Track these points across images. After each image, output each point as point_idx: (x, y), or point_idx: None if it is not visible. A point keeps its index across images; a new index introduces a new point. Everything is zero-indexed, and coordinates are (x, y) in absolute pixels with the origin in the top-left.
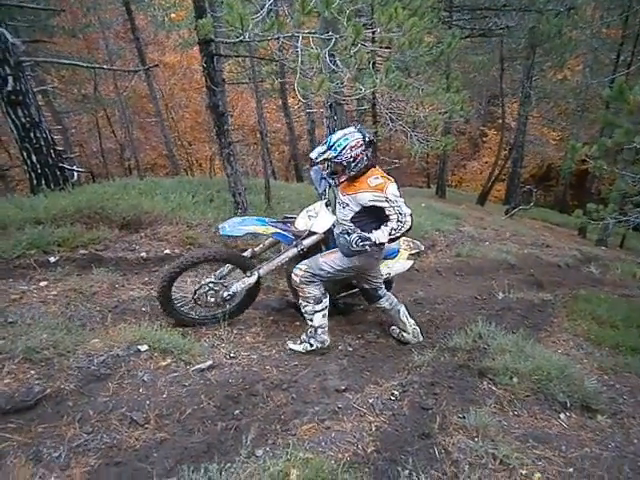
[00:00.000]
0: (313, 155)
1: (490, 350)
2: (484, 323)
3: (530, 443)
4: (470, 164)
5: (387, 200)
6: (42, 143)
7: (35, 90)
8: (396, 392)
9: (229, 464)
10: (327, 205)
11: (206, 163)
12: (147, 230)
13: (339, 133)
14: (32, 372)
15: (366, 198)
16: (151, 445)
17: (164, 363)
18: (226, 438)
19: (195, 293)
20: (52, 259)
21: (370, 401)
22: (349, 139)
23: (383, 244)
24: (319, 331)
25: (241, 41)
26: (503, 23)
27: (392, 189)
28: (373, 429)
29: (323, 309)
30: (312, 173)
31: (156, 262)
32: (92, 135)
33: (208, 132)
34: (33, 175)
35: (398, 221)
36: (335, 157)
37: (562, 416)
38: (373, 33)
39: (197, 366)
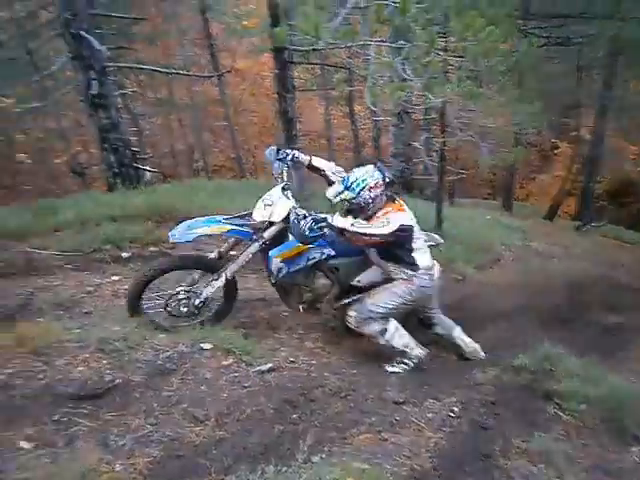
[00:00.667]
0: (330, 195)
1: (557, 373)
2: (551, 343)
3: (599, 476)
4: (539, 177)
5: (383, 219)
6: (120, 144)
7: (116, 94)
8: (456, 409)
9: (285, 468)
10: (284, 189)
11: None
12: None
13: (358, 172)
14: (104, 362)
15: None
16: (210, 442)
17: (226, 362)
18: (283, 441)
19: (166, 305)
20: (124, 254)
21: (429, 416)
22: (367, 180)
23: (346, 230)
24: (407, 350)
25: (314, 49)
26: (582, 31)
27: (396, 218)
28: (431, 445)
29: (394, 333)
30: (266, 153)
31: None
32: (164, 137)
33: (274, 137)
34: (110, 173)
35: (377, 224)
36: (353, 198)
37: (635, 450)
38: (446, 42)
39: (257, 368)
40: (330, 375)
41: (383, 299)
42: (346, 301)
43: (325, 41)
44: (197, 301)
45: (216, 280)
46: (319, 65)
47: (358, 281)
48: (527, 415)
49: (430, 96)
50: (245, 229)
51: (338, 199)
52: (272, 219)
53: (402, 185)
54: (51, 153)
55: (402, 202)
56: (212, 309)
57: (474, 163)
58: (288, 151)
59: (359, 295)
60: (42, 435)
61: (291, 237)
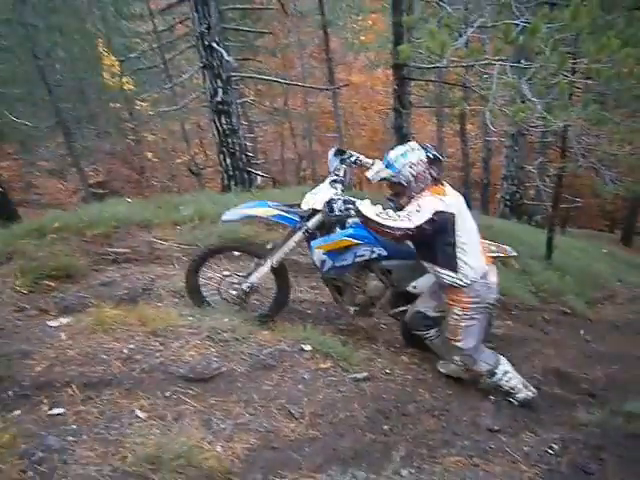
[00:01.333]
0: (370, 175)
1: None
2: None
3: None
4: None
5: (415, 205)
6: (237, 148)
7: (237, 101)
8: (555, 446)
9: (375, 476)
10: (335, 182)
11: None
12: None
13: (398, 149)
14: (212, 350)
15: (409, 207)
16: (304, 439)
17: (324, 365)
18: (374, 450)
19: (219, 287)
20: (236, 253)
21: (524, 449)
22: (408, 155)
23: (369, 219)
24: (514, 394)
25: (436, 67)
26: None
27: (427, 200)
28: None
29: (502, 376)
30: (330, 154)
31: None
32: (276, 144)
33: (381, 151)
34: (225, 176)
35: (399, 215)
36: (393, 176)
37: None
38: (574, 63)
39: (354, 375)
40: (425, 392)
41: (467, 335)
42: (402, 309)
43: (448, 59)
44: (245, 286)
45: (262, 266)
46: (436, 82)
47: (414, 287)
48: (637, 466)
49: (551, 119)
50: (291, 216)
51: (378, 177)
52: (315, 206)
53: (511, 209)
54: (173, 153)
55: (447, 185)
56: (268, 302)
57: (592, 192)
58: (354, 153)
59: (432, 331)
60: (154, 408)
61: (338, 230)
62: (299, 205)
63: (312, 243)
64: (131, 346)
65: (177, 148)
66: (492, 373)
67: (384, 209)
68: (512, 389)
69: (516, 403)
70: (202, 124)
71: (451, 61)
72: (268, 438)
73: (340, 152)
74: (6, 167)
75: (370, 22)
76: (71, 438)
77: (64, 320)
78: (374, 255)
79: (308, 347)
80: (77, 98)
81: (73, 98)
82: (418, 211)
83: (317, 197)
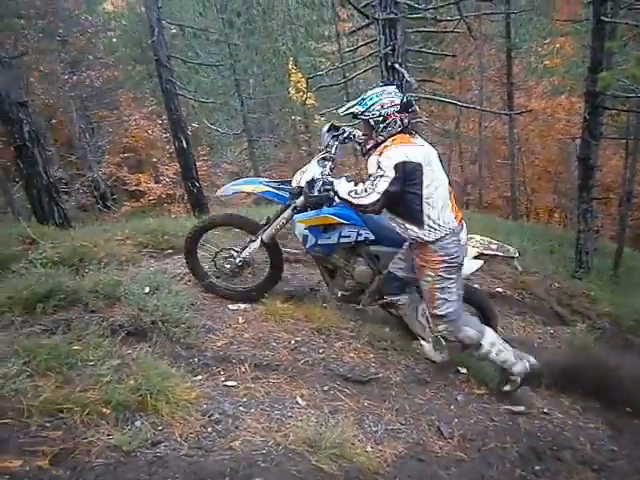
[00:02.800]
0: (341, 110)
1: None
2: None
3: None
4: None
5: (376, 168)
6: None
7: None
8: None
9: None
10: (325, 159)
11: (544, 213)
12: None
13: (375, 89)
14: (371, 355)
15: (370, 165)
16: (451, 459)
17: (478, 391)
18: None
19: (214, 258)
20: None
21: None
22: (382, 96)
23: (343, 199)
24: (507, 369)
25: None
26: None
27: (388, 154)
28: None
29: (490, 349)
30: (323, 129)
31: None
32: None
33: (556, 183)
34: None
35: (365, 189)
36: (362, 112)
37: None
38: None
39: (509, 407)
40: (585, 442)
41: (441, 298)
42: (392, 299)
43: None
44: (237, 260)
45: (253, 242)
46: (633, 112)
47: (400, 268)
48: None
49: None
50: (281, 193)
51: (347, 112)
52: (301, 184)
53: None
54: (340, 167)
55: (418, 137)
56: (261, 276)
57: None
58: (347, 128)
59: (405, 296)
60: (313, 398)
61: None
62: (290, 182)
63: (294, 217)
64: (298, 338)
65: (344, 163)
66: (478, 345)
67: (356, 184)
68: (504, 362)
69: (517, 379)
70: None
71: None
72: (416, 450)
73: (334, 128)
74: (198, 167)
75: (558, 45)
76: (242, 409)
77: (242, 306)
78: (360, 238)
79: (464, 370)
80: (263, 110)
81: (259, 110)
82: (381, 175)
83: (305, 175)
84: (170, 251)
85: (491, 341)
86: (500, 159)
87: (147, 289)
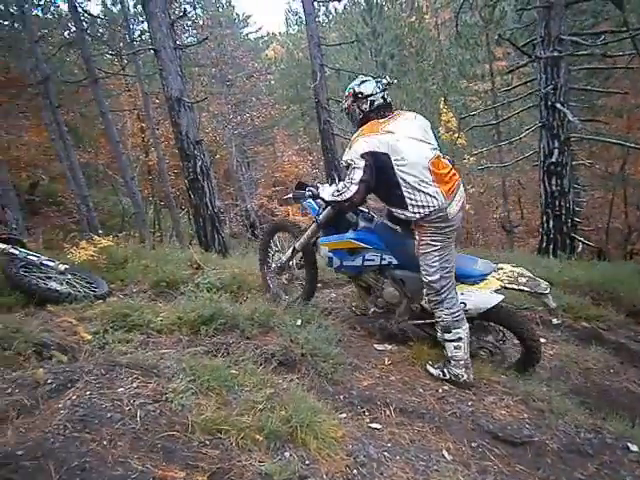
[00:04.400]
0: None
1: None
2: None
3: None
4: None
5: (348, 160)
6: (563, 212)
7: (571, 163)
8: None
9: None
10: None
11: None
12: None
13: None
14: (525, 415)
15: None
16: None
17: None
18: None
19: (273, 256)
20: (555, 321)
21: None
22: (347, 88)
23: (330, 202)
24: (452, 363)
25: None
26: None
27: (355, 147)
28: None
29: (454, 340)
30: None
31: None
32: (602, 211)
33: None
34: (545, 238)
35: (344, 185)
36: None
37: None
38: None
39: None
40: None
41: (427, 264)
42: (417, 322)
43: None
44: (279, 262)
45: (289, 249)
46: None
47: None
48: None
49: None
50: (316, 206)
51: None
52: (321, 195)
53: None
54: (487, 207)
55: (394, 118)
56: (301, 278)
57: None
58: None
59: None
60: (460, 454)
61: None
62: None
63: (320, 239)
64: (445, 387)
65: (493, 203)
66: (447, 328)
67: (337, 184)
68: (452, 359)
69: (446, 376)
70: (522, 181)
71: None
72: None
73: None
74: None
75: None
76: (386, 454)
77: (388, 346)
78: (384, 262)
79: (635, 448)
80: None
81: None
82: (354, 167)
83: (325, 188)
84: (319, 285)
85: (459, 335)
86: None
87: (299, 321)
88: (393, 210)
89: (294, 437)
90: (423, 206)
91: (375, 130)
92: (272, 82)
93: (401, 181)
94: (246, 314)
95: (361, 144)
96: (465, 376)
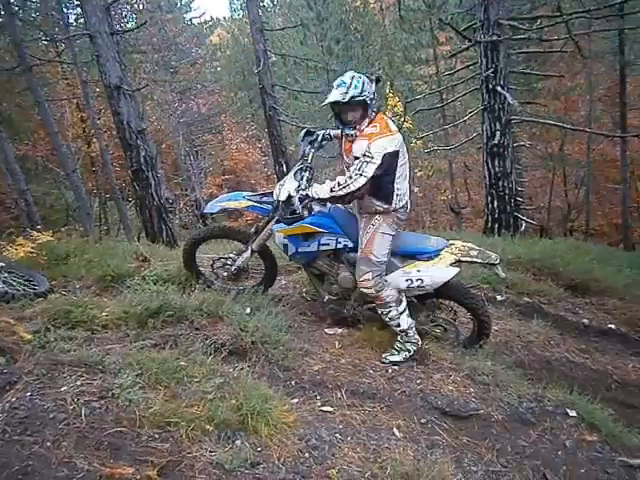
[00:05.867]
0: (332, 98)
1: None
2: None
3: None
4: None
5: (364, 154)
6: (506, 192)
7: (512, 145)
8: None
9: None
10: (302, 170)
11: None
12: (593, 298)
13: (348, 73)
14: (471, 389)
15: (358, 149)
16: None
17: (589, 438)
18: None
19: (212, 266)
20: (499, 297)
21: None
22: (362, 77)
23: (329, 199)
24: (410, 332)
25: None
26: None
27: (379, 144)
28: None
29: (405, 309)
30: (299, 138)
31: (597, 333)
32: (543, 191)
33: None
34: (490, 218)
35: (350, 177)
36: (360, 93)
37: None
38: None
39: (625, 459)
40: None
41: (380, 244)
42: (372, 305)
43: None
44: (233, 268)
45: (245, 252)
46: None
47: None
48: None
49: None
50: (264, 206)
51: (347, 97)
52: (279, 198)
53: None
54: (436, 190)
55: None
56: (256, 277)
57: None
58: (319, 132)
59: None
60: (410, 430)
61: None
62: (272, 194)
63: (273, 227)
64: (395, 367)
65: (441, 185)
66: (399, 300)
67: (332, 181)
68: (410, 328)
69: (412, 350)
70: (468, 164)
71: None
72: None
73: (309, 133)
74: None
75: None
76: (338, 436)
77: (339, 330)
78: (340, 245)
79: (573, 413)
80: None
81: None
82: (369, 160)
83: (282, 188)
84: None
85: (402, 309)
86: (609, 183)
87: (248, 310)
88: (375, 202)
89: (245, 425)
90: (403, 199)
91: (390, 129)
92: (218, 69)
93: (397, 177)
94: (194, 305)
95: (385, 143)
96: (419, 339)
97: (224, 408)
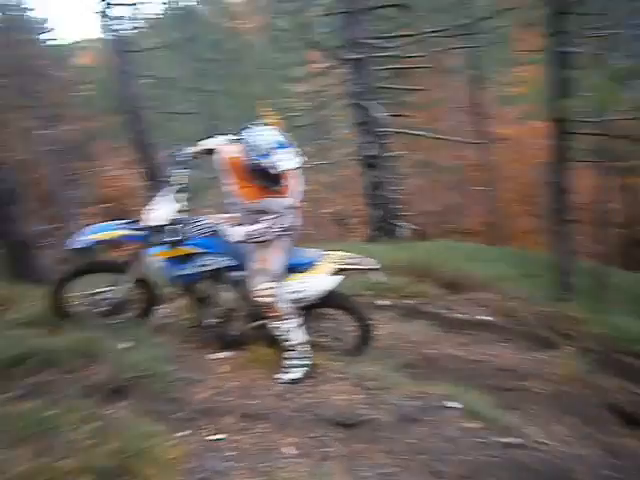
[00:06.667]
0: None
1: None
2: None
3: None
4: None
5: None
6: (384, 201)
7: (386, 155)
8: None
9: None
10: (178, 192)
11: (524, 237)
12: (467, 294)
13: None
14: (360, 396)
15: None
16: None
17: (471, 425)
18: None
19: (89, 303)
20: (379, 302)
21: None
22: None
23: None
24: (305, 347)
25: (602, 120)
26: None
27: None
28: None
29: (300, 323)
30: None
31: (473, 325)
32: (420, 197)
33: (532, 205)
34: (372, 226)
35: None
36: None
37: None
38: None
39: (505, 439)
40: (586, 470)
41: (277, 255)
42: (259, 323)
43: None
44: (109, 302)
45: (127, 282)
46: (601, 135)
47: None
48: None
49: None
50: (139, 233)
51: (284, 168)
52: (150, 223)
53: None
54: (320, 203)
55: None
56: (136, 307)
57: None
58: (188, 150)
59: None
60: (302, 446)
61: None
62: (138, 221)
63: (149, 250)
64: (285, 385)
65: (324, 199)
66: (295, 313)
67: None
68: (301, 344)
69: (306, 365)
70: (351, 175)
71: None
72: None
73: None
74: None
75: (526, 74)
76: (231, 463)
77: (225, 354)
78: (222, 265)
79: (455, 404)
80: None
81: None
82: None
83: (157, 213)
84: None
85: (298, 322)
86: (475, 186)
87: (126, 344)
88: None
89: (127, 469)
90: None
91: None
92: (90, 92)
93: None
94: (65, 345)
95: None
96: (309, 358)
97: (103, 454)
